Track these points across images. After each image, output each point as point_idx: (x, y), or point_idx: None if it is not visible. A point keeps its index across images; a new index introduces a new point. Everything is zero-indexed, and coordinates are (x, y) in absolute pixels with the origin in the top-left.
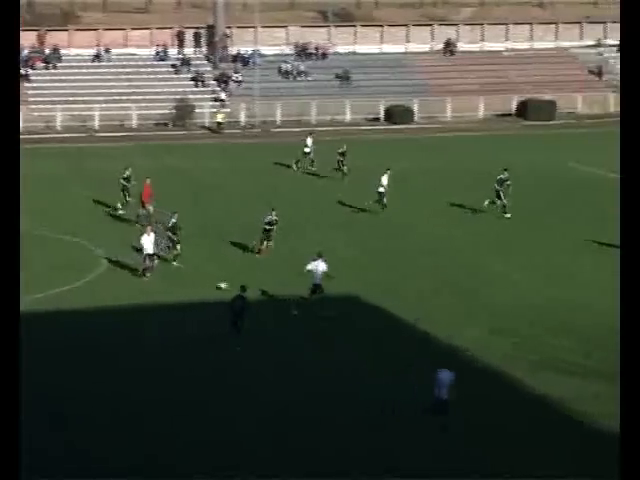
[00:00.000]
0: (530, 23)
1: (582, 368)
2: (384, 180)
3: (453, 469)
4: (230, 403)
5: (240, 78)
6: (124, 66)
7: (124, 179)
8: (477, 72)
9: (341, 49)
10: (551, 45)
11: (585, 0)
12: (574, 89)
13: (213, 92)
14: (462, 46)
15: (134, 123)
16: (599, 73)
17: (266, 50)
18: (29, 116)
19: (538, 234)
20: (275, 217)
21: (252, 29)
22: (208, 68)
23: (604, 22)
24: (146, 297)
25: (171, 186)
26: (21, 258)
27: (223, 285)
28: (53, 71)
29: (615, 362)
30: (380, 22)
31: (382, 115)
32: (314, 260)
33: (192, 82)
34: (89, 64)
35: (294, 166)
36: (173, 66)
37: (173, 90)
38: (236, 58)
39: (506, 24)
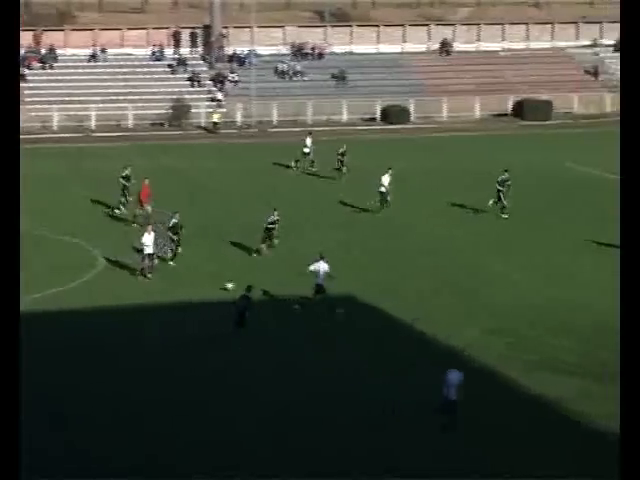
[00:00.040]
0: (526, 23)
1: (581, 368)
2: (385, 180)
3: (453, 469)
4: (230, 403)
5: (236, 78)
6: (120, 66)
7: (123, 178)
8: (473, 72)
9: (337, 49)
10: (547, 45)
11: (581, 0)
12: (570, 89)
13: (209, 92)
14: (458, 46)
15: (130, 123)
16: (595, 73)
17: (262, 50)
18: (25, 116)
19: (537, 234)
20: (277, 217)
21: (248, 29)
22: (204, 68)
23: (600, 22)
24: (146, 297)
25: (168, 186)
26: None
27: (229, 285)
28: (49, 71)
29: (613, 362)
30: (376, 22)
31: (378, 115)
32: (316, 261)
33: (188, 82)
34: (85, 64)
35: (294, 166)
36: (169, 66)
37: (169, 90)
38: (232, 58)
39: (502, 24)
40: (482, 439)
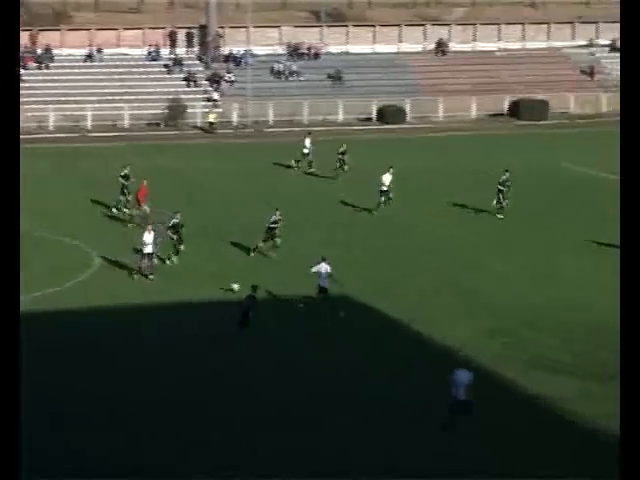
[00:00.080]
0: (522, 23)
1: (579, 368)
2: (386, 178)
3: (452, 469)
4: (230, 403)
5: (232, 78)
6: (116, 66)
7: (122, 177)
8: (469, 72)
9: (333, 49)
10: (543, 45)
11: (577, 0)
12: (566, 89)
13: (205, 92)
14: (454, 46)
15: (126, 123)
16: (591, 73)
17: (258, 50)
18: (21, 116)
19: (536, 234)
20: (279, 216)
21: (244, 29)
22: (200, 68)
23: (596, 22)
24: (145, 297)
25: (165, 186)
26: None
27: (235, 287)
28: (45, 71)
29: (612, 362)
30: (372, 22)
31: (374, 115)
32: (318, 263)
33: (184, 82)
34: (81, 64)
35: (294, 166)
36: (165, 66)
37: (165, 90)
38: (228, 58)
39: (498, 24)
40: (481, 439)
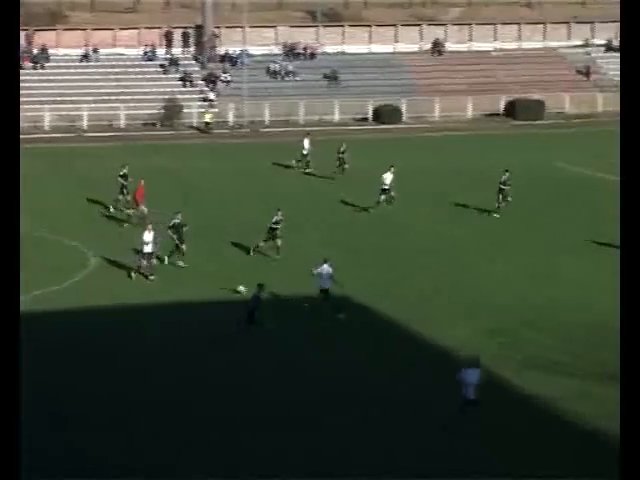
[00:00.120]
0: (518, 23)
1: (577, 368)
2: (386, 178)
3: (452, 469)
4: (230, 403)
5: (228, 78)
6: (112, 66)
7: (121, 177)
8: (465, 72)
9: (329, 49)
10: (539, 45)
11: (573, 0)
12: (562, 89)
13: (201, 92)
14: (450, 46)
15: (122, 123)
16: (587, 73)
17: (254, 50)
18: None
19: (534, 234)
20: (281, 217)
21: (240, 29)
22: (196, 68)
23: (592, 22)
24: (143, 296)
25: (161, 186)
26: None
27: (242, 288)
28: (41, 71)
29: (612, 362)
30: (368, 22)
31: (370, 115)
32: (320, 265)
33: (180, 82)
34: (77, 64)
35: (295, 166)
36: (161, 66)
37: (161, 90)
38: (224, 58)
39: (494, 24)
40: (481, 439)
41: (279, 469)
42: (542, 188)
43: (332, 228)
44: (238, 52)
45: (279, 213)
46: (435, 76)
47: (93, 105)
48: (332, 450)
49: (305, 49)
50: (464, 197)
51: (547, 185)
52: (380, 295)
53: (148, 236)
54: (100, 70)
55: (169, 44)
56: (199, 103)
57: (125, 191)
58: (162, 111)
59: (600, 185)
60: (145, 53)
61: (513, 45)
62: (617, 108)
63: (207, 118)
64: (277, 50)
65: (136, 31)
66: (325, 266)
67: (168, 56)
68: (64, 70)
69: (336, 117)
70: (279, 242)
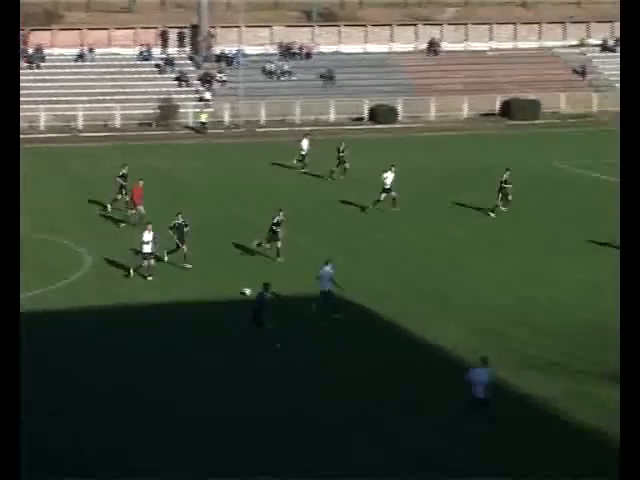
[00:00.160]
0: (514, 23)
1: (578, 369)
2: (387, 177)
3: (453, 469)
4: (230, 403)
5: (224, 78)
6: (108, 66)
7: (120, 177)
8: (461, 72)
9: (325, 49)
10: (535, 45)
11: (568, 0)
12: (558, 89)
13: (197, 92)
14: (446, 46)
15: (118, 123)
16: (582, 73)
17: (250, 50)
18: None
19: (531, 233)
20: (283, 217)
21: (236, 29)
22: (192, 68)
23: (587, 22)
24: (143, 297)
25: (157, 186)
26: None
27: (247, 291)
28: (36, 71)
29: (610, 362)
30: (364, 22)
31: (366, 115)
32: (323, 266)
33: (176, 82)
34: (73, 64)
35: (296, 165)
36: (157, 66)
37: (157, 90)
38: (220, 58)
39: (490, 24)
40: (481, 439)
41: (279, 469)
42: (539, 188)
43: (332, 228)
44: (234, 52)
45: (281, 213)
46: (431, 76)
47: (88, 105)
48: (332, 450)
49: (301, 49)
50: (462, 197)
51: (544, 185)
52: (380, 295)
53: (148, 236)
54: (95, 70)
55: (165, 44)
56: (195, 103)
57: (124, 191)
58: (158, 111)
59: (597, 185)
60: (141, 53)
61: (509, 45)
62: (612, 108)
63: (203, 118)
64: (273, 50)
65: (132, 31)
66: (327, 267)
67: (164, 56)
68: (59, 70)
69: (332, 117)
70: (279, 244)
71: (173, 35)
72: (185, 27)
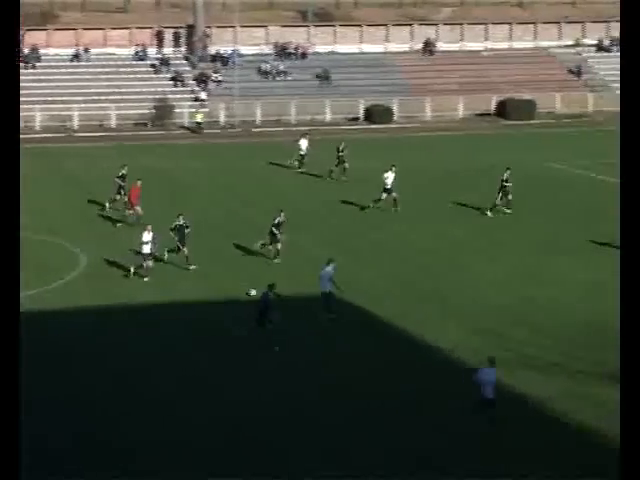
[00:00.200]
0: (509, 23)
1: (578, 369)
2: (388, 177)
3: (452, 469)
4: (229, 403)
5: (219, 78)
6: (103, 66)
7: (119, 177)
8: (457, 72)
9: (320, 49)
10: (530, 45)
11: (564, 0)
12: (553, 89)
13: (192, 92)
14: (442, 46)
15: (113, 123)
16: (578, 73)
17: (245, 50)
18: None
19: (529, 233)
20: (283, 218)
21: (231, 29)
22: (187, 68)
23: (582, 22)
24: (141, 297)
25: (153, 186)
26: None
27: (253, 292)
28: (32, 71)
29: (610, 362)
30: (359, 22)
31: (362, 115)
32: (324, 266)
33: (171, 82)
34: (68, 64)
35: (295, 165)
36: (152, 66)
37: (152, 90)
38: (215, 58)
39: (485, 24)
40: (481, 439)
41: (279, 469)
42: (538, 188)
43: (332, 228)
44: (229, 52)
45: (282, 214)
46: (426, 76)
47: (84, 105)
48: (332, 450)
49: (296, 49)
50: (462, 197)
51: (542, 185)
52: (380, 295)
53: (147, 237)
54: (91, 70)
55: (160, 44)
56: (190, 103)
57: (123, 192)
58: (153, 111)
59: (596, 185)
60: (136, 53)
61: (504, 45)
62: (608, 108)
63: (198, 118)
64: (268, 50)
65: (127, 31)
66: (327, 268)
67: (159, 56)
68: (55, 70)
69: (327, 117)
70: (279, 246)
71: (169, 35)
72: (180, 27)
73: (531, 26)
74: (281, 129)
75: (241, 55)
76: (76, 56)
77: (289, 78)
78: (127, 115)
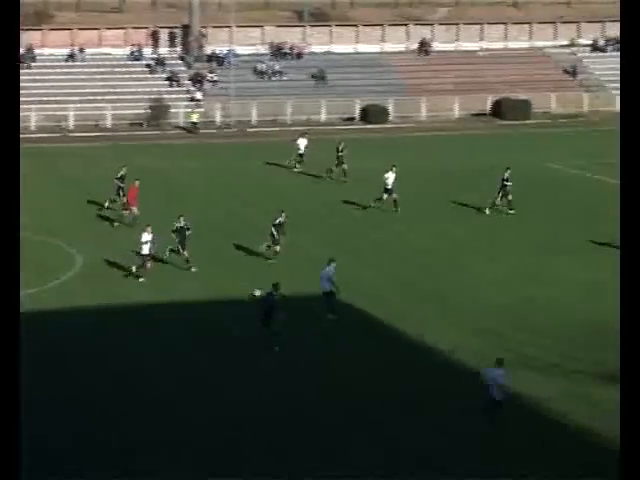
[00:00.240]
0: (505, 23)
1: (578, 369)
2: (388, 178)
3: (452, 469)
4: (229, 403)
5: (215, 78)
6: (98, 66)
7: (118, 179)
8: (452, 72)
9: (316, 49)
10: (525, 45)
11: (559, 0)
12: (548, 89)
13: (188, 92)
14: (437, 46)
15: (109, 123)
16: (573, 73)
17: (241, 50)
18: None
19: (528, 233)
20: (284, 218)
21: (227, 29)
22: (183, 68)
23: (578, 22)
24: (134, 297)
25: (149, 186)
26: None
27: (258, 292)
28: (27, 71)
29: (610, 362)
30: (355, 22)
31: (357, 115)
32: (325, 266)
33: (167, 82)
34: (63, 64)
35: (294, 165)
36: (148, 66)
37: (148, 90)
38: (211, 58)
39: (481, 24)
40: (481, 439)
41: (279, 469)
42: (536, 188)
43: (331, 228)
44: (225, 52)
45: (283, 214)
46: (422, 76)
47: (79, 105)
48: (332, 450)
49: (292, 49)
50: (461, 197)
51: (541, 185)
52: (380, 295)
53: (146, 237)
54: (86, 70)
55: (155, 44)
56: (186, 103)
57: (122, 193)
58: (149, 111)
59: (593, 185)
60: (132, 53)
61: (499, 45)
62: (603, 108)
63: (194, 118)
64: (264, 50)
65: (122, 31)
66: (328, 268)
67: (155, 56)
68: (50, 70)
69: (323, 117)
70: (278, 248)
71: (164, 35)
72: (176, 27)
73: (526, 26)
74: (277, 129)
75: (237, 55)
76: (71, 56)
77: (285, 78)
78: (123, 115)
